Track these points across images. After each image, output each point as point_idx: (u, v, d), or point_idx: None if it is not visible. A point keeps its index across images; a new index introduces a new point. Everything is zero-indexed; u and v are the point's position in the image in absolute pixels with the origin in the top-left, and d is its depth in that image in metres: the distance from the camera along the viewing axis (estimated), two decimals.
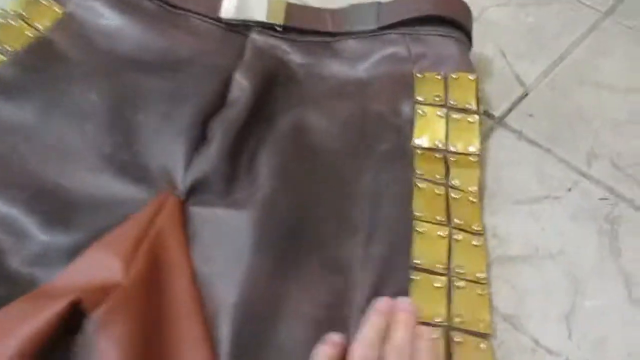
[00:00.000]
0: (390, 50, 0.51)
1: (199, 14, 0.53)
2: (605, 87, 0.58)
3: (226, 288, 0.35)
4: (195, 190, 0.40)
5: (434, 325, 0.36)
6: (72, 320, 0.32)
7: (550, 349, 0.38)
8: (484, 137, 0.51)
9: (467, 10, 0.53)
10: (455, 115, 0.47)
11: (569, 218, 0.46)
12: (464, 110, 0.47)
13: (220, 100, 0.46)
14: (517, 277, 0.41)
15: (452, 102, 0.48)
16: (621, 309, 0.40)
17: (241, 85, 0.46)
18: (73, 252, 0.35)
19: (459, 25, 0.52)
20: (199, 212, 0.39)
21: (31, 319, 0.31)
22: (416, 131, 0.46)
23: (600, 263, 0.43)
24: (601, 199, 0.47)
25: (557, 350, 0.38)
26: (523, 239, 0.44)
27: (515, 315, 0.39)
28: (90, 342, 0.31)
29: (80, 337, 0.32)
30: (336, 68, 0.51)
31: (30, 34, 0.49)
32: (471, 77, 0.49)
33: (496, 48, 0.61)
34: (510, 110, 0.54)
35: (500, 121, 0.53)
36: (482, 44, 0.61)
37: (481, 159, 0.46)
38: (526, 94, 0.56)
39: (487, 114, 0.53)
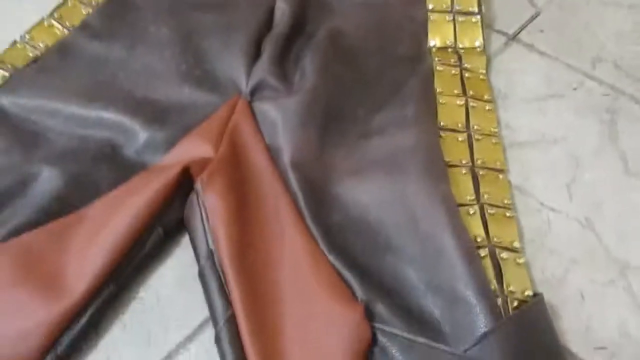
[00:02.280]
0: None
1: None
2: (610, 4, 0.63)
3: (286, 154, 0.44)
4: (256, 91, 0.50)
5: (461, 166, 0.45)
6: (183, 184, 0.42)
7: (554, 208, 0.46)
8: (498, 51, 0.58)
9: None
10: (460, 18, 0.56)
11: (573, 111, 0.53)
12: (468, 13, 0.56)
13: (267, 24, 0.55)
14: (525, 157, 0.49)
15: (457, 7, 0.56)
16: (616, 179, 0.48)
17: (282, 9, 0.56)
18: (169, 143, 0.46)
19: None
20: (262, 105, 0.48)
21: (150, 185, 0.41)
22: (430, 34, 0.55)
23: (599, 145, 0.50)
24: (603, 95, 0.54)
25: (558, 209, 0.45)
26: (531, 129, 0.51)
27: (524, 186, 0.47)
28: (200, 198, 0.42)
29: (192, 196, 0.42)
30: None
31: None
32: None
33: None
34: (522, 28, 0.61)
35: (514, 37, 0.60)
36: None
37: (486, 50, 0.55)
38: (538, 14, 0.62)
39: (501, 32, 0.60)
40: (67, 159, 0.44)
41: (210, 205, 0.41)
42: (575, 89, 0.55)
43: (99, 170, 0.44)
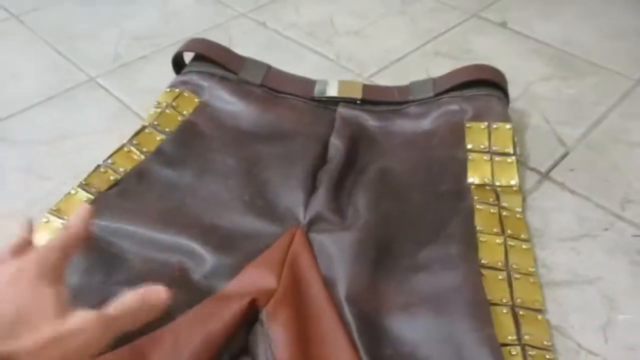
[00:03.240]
0: (444, 108, 0.66)
1: (297, 95, 0.69)
2: (636, 145, 0.69)
3: (341, 288, 0.48)
4: (313, 223, 0.54)
5: (502, 305, 0.48)
6: (250, 314, 0.46)
7: (592, 351, 0.48)
8: (532, 189, 0.63)
9: (501, 75, 0.67)
10: (497, 158, 0.61)
11: (605, 252, 0.56)
12: (504, 154, 0.61)
13: (322, 159, 0.61)
14: (562, 297, 0.52)
15: (494, 148, 0.62)
16: None
17: (336, 146, 0.62)
18: (234, 270, 0.50)
19: (497, 86, 0.66)
20: (319, 237, 0.53)
21: (221, 313, 0.45)
22: (469, 172, 0.60)
23: (632, 287, 0.53)
24: (634, 236, 0.58)
25: (596, 352, 0.48)
26: (566, 268, 0.54)
27: (561, 326, 0.50)
28: (265, 328, 0.45)
29: (258, 326, 0.46)
30: (405, 126, 0.66)
31: (179, 118, 0.66)
32: (508, 126, 0.63)
33: (541, 116, 0.73)
34: (554, 166, 0.66)
35: (546, 175, 0.65)
36: (529, 113, 0.74)
37: (521, 188, 0.60)
38: (567, 153, 0.68)
39: (535, 170, 0.65)
40: (144, 282, 0.49)
41: (274, 336, 0.44)
42: (606, 229, 0.58)
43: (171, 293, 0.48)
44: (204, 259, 0.50)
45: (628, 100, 0.76)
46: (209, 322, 0.45)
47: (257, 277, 0.48)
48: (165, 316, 0.46)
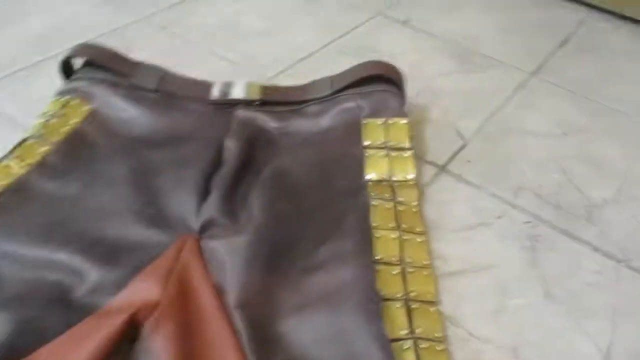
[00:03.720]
0: (342, 105, 0.66)
1: (193, 99, 0.67)
2: (529, 134, 0.71)
3: (232, 295, 0.47)
4: (205, 229, 0.52)
5: (396, 299, 0.48)
6: (130, 330, 0.44)
7: (483, 338, 0.49)
8: (430, 182, 0.64)
9: (396, 70, 0.68)
10: (393, 154, 0.61)
11: (497, 239, 0.57)
12: (400, 149, 0.62)
13: (217, 162, 0.59)
14: (456, 287, 0.53)
15: (390, 144, 0.62)
16: (539, 304, 0.52)
17: (230, 148, 0.60)
18: (119, 284, 0.47)
19: (393, 82, 0.67)
20: (210, 244, 0.51)
21: (100, 331, 0.42)
22: (366, 169, 0.60)
23: (522, 272, 0.54)
24: (525, 222, 0.59)
25: (487, 339, 0.49)
26: (461, 258, 0.55)
27: (454, 316, 0.50)
28: (147, 343, 0.43)
29: (138, 343, 0.44)
30: (303, 125, 0.65)
31: (66, 128, 0.62)
32: (404, 121, 0.63)
33: (441, 110, 0.75)
34: (451, 159, 0.67)
35: (443, 168, 0.66)
36: (430, 108, 0.75)
37: (417, 182, 0.60)
38: (465, 145, 0.69)
39: (432, 164, 0.66)
40: (19, 304, 0.45)
41: (156, 351, 0.42)
42: (499, 217, 0.60)
43: (49, 314, 0.45)
44: (86, 275, 0.48)
45: (523, 92, 0.79)
46: (85, 341, 0.42)
47: (142, 290, 0.46)
48: (42, 339, 0.43)
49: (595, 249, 0.57)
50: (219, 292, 0.47)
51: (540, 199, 0.62)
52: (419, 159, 0.66)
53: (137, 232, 0.52)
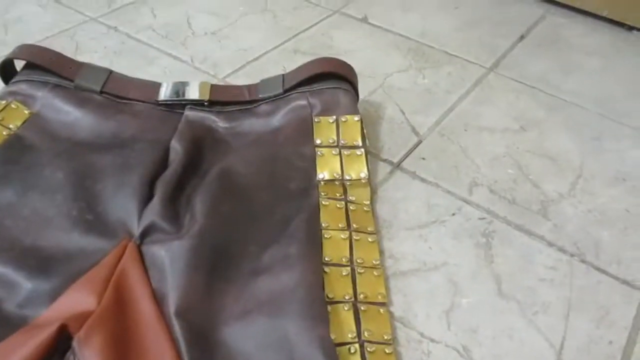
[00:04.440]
0: (293, 104, 0.64)
1: (140, 100, 0.65)
2: (486, 129, 0.70)
3: (172, 301, 0.44)
4: (146, 234, 0.50)
5: (344, 302, 0.47)
6: (60, 342, 0.41)
7: (433, 338, 0.47)
8: (384, 180, 0.62)
9: (349, 67, 0.66)
10: (346, 152, 0.60)
11: (451, 237, 0.56)
12: (353, 147, 0.60)
13: (162, 165, 0.57)
14: (407, 287, 0.51)
15: (343, 142, 0.60)
16: (491, 302, 0.50)
17: (176, 149, 0.58)
18: (54, 295, 0.45)
19: (345, 79, 0.65)
20: (151, 249, 0.49)
21: (26, 345, 0.40)
22: (318, 168, 0.58)
23: (476, 269, 0.53)
24: (480, 218, 0.58)
25: (437, 339, 0.47)
26: (413, 257, 0.54)
27: (405, 317, 0.49)
28: (77, 356, 0.40)
29: (70, 355, 0.41)
30: (254, 124, 0.63)
31: (4, 133, 0.59)
32: (356, 118, 0.62)
33: (397, 107, 0.73)
34: (406, 156, 0.66)
35: (398, 165, 0.64)
36: (385, 105, 0.74)
37: (370, 181, 0.59)
38: (420, 142, 0.68)
39: (387, 161, 0.65)
40: None
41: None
42: (454, 214, 0.59)
43: None
44: (18, 286, 0.45)
45: (480, 87, 0.78)
46: (12, 356, 0.40)
47: (75, 301, 0.44)
48: None
49: (550, 244, 0.56)
50: (158, 299, 0.45)
51: (495, 195, 0.61)
52: (374, 156, 0.64)
53: (74, 240, 0.50)
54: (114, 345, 0.41)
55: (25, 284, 0.46)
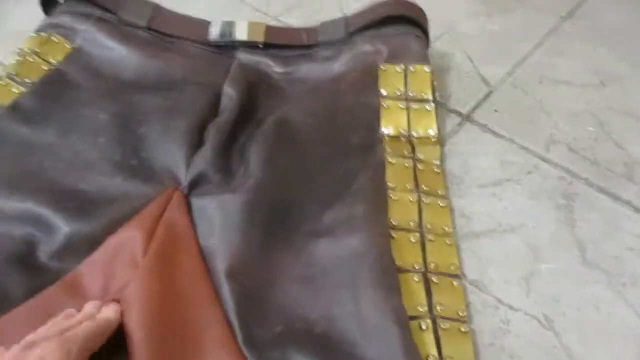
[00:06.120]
0: (357, 49, 0.58)
1: (189, 39, 0.60)
2: (562, 83, 0.64)
3: (221, 261, 0.41)
4: (196, 184, 0.46)
5: (414, 271, 0.42)
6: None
7: (511, 305, 0.43)
8: (452, 132, 0.57)
9: (420, 11, 0.59)
10: (414, 106, 0.54)
11: (528, 197, 0.51)
12: (422, 101, 0.54)
13: (213, 110, 0.52)
14: (481, 249, 0.47)
15: (410, 94, 0.54)
16: (574, 270, 0.46)
17: (229, 95, 0.53)
18: (92, 241, 0.42)
19: (416, 24, 0.58)
20: (200, 201, 0.45)
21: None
22: (382, 122, 0.53)
23: (556, 233, 0.48)
24: (559, 178, 0.53)
25: (516, 307, 0.43)
26: (487, 217, 0.49)
27: (480, 280, 0.45)
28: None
29: None
30: (313, 70, 0.58)
31: (45, 67, 0.56)
32: (427, 69, 0.55)
33: (464, 55, 0.67)
34: (476, 107, 0.60)
35: (468, 117, 0.59)
36: (452, 52, 0.67)
37: (440, 139, 0.53)
38: (491, 93, 0.62)
39: (456, 112, 0.59)
40: None
41: (130, 325, 0.36)
42: (530, 172, 0.53)
43: (10, 275, 0.39)
44: (56, 229, 0.42)
45: (554, 37, 0.71)
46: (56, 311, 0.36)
47: (123, 241, 0.40)
48: (3, 303, 0.38)
49: (637, 210, 0.51)
50: (206, 257, 0.42)
51: (575, 154, 0.55)
52: (441, 106, 0.59)
53: (117, 184, 0.46)
54: (156, 304, 0.37)
55: (64, 227, 0.42)
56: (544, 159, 0.55)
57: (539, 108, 0.60)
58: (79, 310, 0.37)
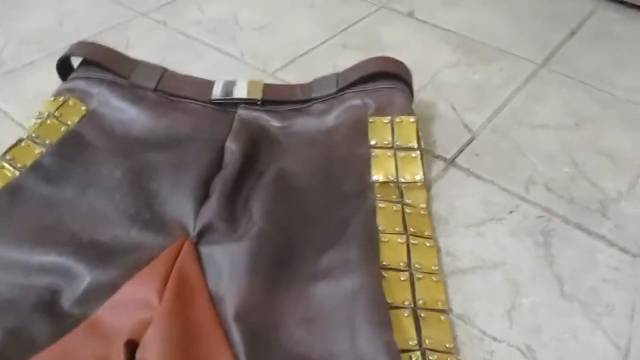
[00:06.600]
0: (347, 103, 0.63)
1: (194, 99, 0.65)
2: (539, 126, 0.69)
3: (229, 305, 0.44)
4: (203, 234, 0.50)
5: (404, 308, 0.46)
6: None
7: (495, 337, 0.47)
8: (438, 177, 0.62)
9: (404, 67, 0.65)
10: (401, 154, 0.58)
11: (510, 235, 0.55)
12: (408, 149, 0.59)
13: (217, 165, 0.57)
14: (467, 285, 0.51)
15: (398, 143, 0.59)
16: (554, 302, 0.49)
17: (232, 150, 0.58)
18: (111, 288, 0.45)
19: (401, 79, 0.64)
20: (208, 249, 0.49)
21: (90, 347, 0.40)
22: (373, 170, 0.57)
23: (536, 269, 0.52)
24: (538, 217, 0.57)
25: (500, 338, 0.47)
26: (472, 255, 0.53)
27: (466, 314, 0.48)
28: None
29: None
30: (308, 124, 0.63)
31: (62, 129, 0.60)
32: (412, 119, 0.60)
33: (447, 103, 0.72)
34: (459, 152, 0.65)
35: (452, 162, 0.64)
36: (436, 101, 0.73)
37: (426, 184, 0.58)
38: (473, 139, 0.67)
39: (441, 158, 0.64)
40: (5, 312, 0.44)
41: None
42: (511, 212, 0.58)
43: (36, 322, 0.43)
44: (78, 276, 0.46)
45: (532, 84, 0.76)
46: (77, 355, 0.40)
47: (135, 297, 0.44)
48: (30, 348, 0.42)
49: (611, 244, 0.55)
50: (215, 302, 0.45)
51: (552, 193, 0.60)
52: (426, 152, 0.64)
53: (132, 236, 0.50)
54: (174, 348, 0.41)
55: (85, 275, 0.46)
56: (523, 199, 0.59)
57: (518, 151, 0.65)
58: (99, 350, 0.40)
